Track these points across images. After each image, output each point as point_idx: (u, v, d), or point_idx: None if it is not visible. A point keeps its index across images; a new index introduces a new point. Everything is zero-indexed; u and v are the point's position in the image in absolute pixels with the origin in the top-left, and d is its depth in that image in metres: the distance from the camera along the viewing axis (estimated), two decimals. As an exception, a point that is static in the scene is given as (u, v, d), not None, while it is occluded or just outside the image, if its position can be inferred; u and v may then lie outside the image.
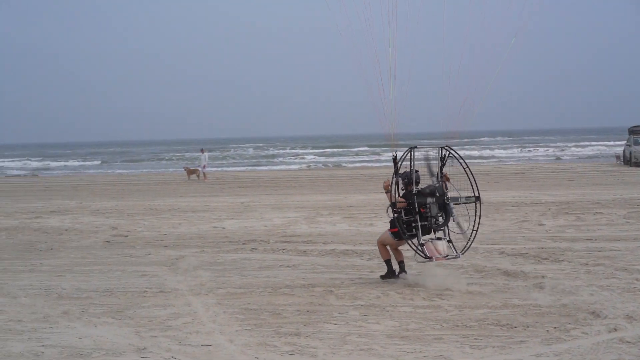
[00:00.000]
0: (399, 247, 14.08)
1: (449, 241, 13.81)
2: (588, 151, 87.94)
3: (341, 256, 16.84)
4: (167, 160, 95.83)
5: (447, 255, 13.66)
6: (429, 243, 13.58)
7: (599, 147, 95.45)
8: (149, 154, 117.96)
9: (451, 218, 13.71)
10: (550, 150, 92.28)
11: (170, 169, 70.29)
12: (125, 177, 55.44)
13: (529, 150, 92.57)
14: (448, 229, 13.84)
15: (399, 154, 13.70)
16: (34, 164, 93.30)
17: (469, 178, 13.75)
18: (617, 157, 57.92)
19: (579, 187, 33.72)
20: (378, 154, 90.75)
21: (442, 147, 13.86)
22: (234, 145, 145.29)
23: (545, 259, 15.76)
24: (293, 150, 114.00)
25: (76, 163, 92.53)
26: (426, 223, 13.53)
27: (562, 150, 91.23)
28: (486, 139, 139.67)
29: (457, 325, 10.78)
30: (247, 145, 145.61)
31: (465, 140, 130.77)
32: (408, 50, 13.66)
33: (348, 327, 10.86)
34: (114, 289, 13.92)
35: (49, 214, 27.57)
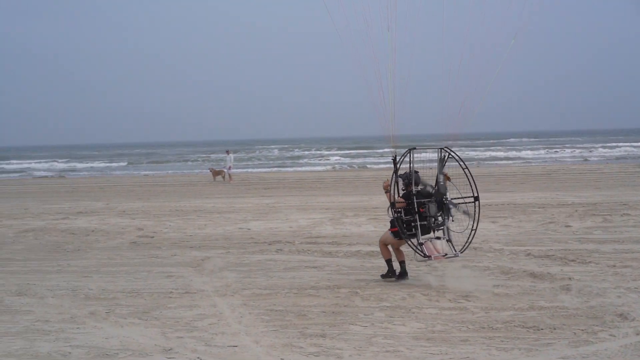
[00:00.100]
0: (400, 247, 14.24)
1: (448, 240, 13.93)
2: (616, 152, 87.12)
3: (367, 257, 16.81)
4: (192, 161, 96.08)
5: (446, 255, 13.79)
6: (428, 242, 13.77)
7: (627, 148, 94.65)
8: (175, 155, 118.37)
9: (451, 217, 13.84)
10: (577, 151, 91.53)
11: (196, 171, 70.44)
12: (151, 179, 55.66)
13: (556, 151, 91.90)
14: (447, 229, 13.93)
15: (399, 155, 13.93)
16: (61, 165, 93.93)
17: (468, 179, 13.86)
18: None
19: (607, 189, 33.43)
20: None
21: (441, 148, 13.96)
22: (260, 147, 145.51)
23: (572, 260, 15.65)
24: (318, 152, 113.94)
25: (102, 164, 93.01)
26: (425, 222, 13.68)
27: (590, 151, 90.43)
28: (512, 140, 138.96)
29: (483, 327, 10.74)
30: (273, 146, 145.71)
31: (491, 141, 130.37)
32: (407, 51, 13.69)
33: (374, 329, 10.84)
34: (140, 290, 13.99)
35: (76, 215, 27.76)
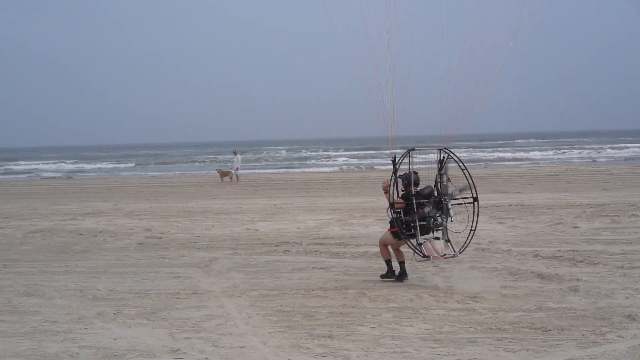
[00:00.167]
0: (400, 248, 14.35)
1: (447, 240, 14.02)
2: (624, 153, 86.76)
3: (374, 258, 16.80)
4: (200, 162, 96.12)
5: (445, 255, 13.90)
6: (427, 242, 13.87)
7: (635, 149, 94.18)
8: (182, 156, 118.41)
9: (449, 217, 13.93)
10: (585, 152, 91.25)
11: (203, 171, 70.50)
12: (158, 179, 55.74)
13: (564, 152, 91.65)
14: (446, 229, 14.01)
15: (399, 156, 14.03)
16: (69, 166, 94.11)
17: (467, 179, 13.94)
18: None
19: (615, 190, 33.35)
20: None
21: (440, 149, 14.06)
22: (267, 148, 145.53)
23: (580, 261, 15.62)
24: (325, 153, 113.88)
25: (110, 165, 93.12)
26: (424, 223, 13.79)
27: (598, 152, 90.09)
28: (519, 141, 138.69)
29: (491, 329, 10.73)
30: (280, 147, 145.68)
31: (499, 142, 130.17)
32: (407, 52, 13.72)
33: (381, 330, 10.84)
34: (148, 291, 14.02)
35: (84, 216, 27.81)
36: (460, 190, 14.04)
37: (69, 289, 14.43)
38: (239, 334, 10.82)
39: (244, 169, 57.40)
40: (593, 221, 21.86)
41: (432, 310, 11.85)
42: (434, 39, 13.77)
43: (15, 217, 27.92)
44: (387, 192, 14.09)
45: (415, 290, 13.29)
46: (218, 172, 50.46)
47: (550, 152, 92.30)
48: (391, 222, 14.08)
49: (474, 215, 13.99)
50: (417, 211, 13.67)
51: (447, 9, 13.41)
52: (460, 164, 13.97)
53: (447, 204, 13.80)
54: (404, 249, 14.42)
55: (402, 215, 13.85)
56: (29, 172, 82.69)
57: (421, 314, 11.69)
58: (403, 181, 13.97)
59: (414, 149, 13.91)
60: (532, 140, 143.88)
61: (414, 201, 13.65)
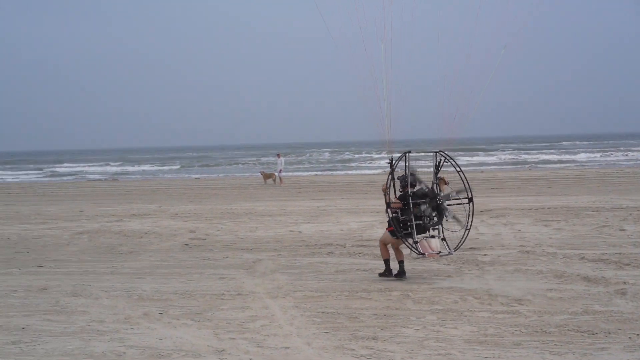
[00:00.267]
0: (400, 247, 14.82)
1: (443, 239, 14.61)
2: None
3: (418, 261, 16.73)
4: (243, 164, 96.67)
5: (440, 252, 14.44)
6: (423, 240, 14.40)
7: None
8: (226, 158, 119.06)
9: (445, 217, 14.47)
10: (632, 154, 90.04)
11: (247, 174, 70.80)
12: (202, 182, 56.07)
13: (610, 154, 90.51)
14: (442, 228, 14.63)
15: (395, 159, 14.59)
16: (114, 168, 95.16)
17: (462, 181, 14.52)
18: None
19: (662, 192, 32.88)
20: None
21: (436, 152, 14.67)
22: (310, 150, 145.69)
23: (627, 264, 15.43)
24: (368, 155, 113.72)
25: (154, 167, 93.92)
26: (421, 222, 14.36)
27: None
28: (565, 143, 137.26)
29: (537, 331, 10.65)
30: (323, 149, 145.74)
31: (544, 144, 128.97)
32: (404, 59, 13.89)
33: (425, 332, 10.82)
34: (193, 292, 14.13)
35: (129, 218, 28.10)
36: (457, 192, 14.59)
37: (116, 289, 14.61)
38: (283, 335, 10.87)
39: (287, 171, 57.58)
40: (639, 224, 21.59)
41: (477, 313, 11.80)
42: (431, 44, 13.97)
43: (63, 219, 28.31)
44: (386, 193, 14.51)
45: (460, 292, 13.23)
46: (261, 174, 50.59)
47: (597, 155, 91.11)
48: (389, 221, 14.55)
49: (468, 215, 14.51)
50: (413, 210, 14.24)
51: (442, 16, 13.62)
52: (457, 168, 14.53)
53: (442, 204, 14.34)
54: (403, 249, 14.83)
55: (399, 215, 14.42)
56: (75, 174, 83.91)
57: (466, 316, 11.64)
58: (401, 183, 14.53)
59: (410, 152, 14.53)
60: (577, 142, 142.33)
61: (410, 202, 14.25)
